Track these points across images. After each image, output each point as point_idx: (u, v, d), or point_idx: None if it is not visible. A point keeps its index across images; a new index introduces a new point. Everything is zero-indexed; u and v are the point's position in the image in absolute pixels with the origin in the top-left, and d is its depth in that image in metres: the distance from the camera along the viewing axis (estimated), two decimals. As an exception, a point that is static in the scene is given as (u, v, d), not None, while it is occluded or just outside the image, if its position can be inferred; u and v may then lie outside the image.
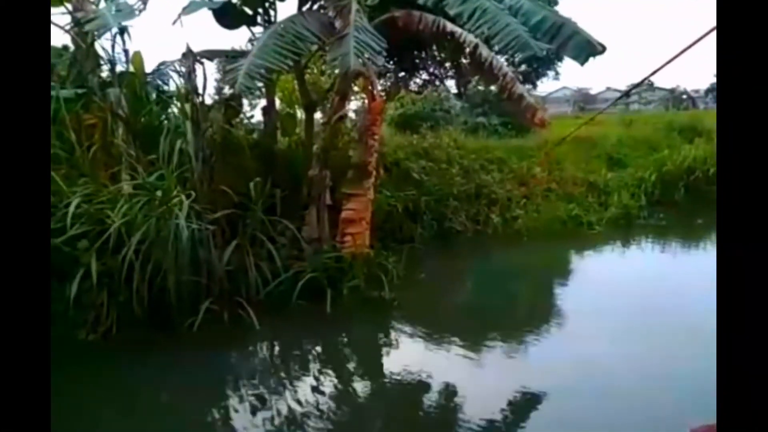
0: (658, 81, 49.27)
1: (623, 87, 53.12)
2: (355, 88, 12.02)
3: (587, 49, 6.66)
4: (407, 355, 5.92)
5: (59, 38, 10.35)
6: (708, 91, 52.54)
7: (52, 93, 6.80)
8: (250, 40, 8.83)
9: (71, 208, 5.87)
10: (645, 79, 6.28)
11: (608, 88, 54.58)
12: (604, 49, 6.69)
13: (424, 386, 5.14)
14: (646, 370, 5.08)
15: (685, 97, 45.09)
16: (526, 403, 4.71)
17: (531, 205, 12.06)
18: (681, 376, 4.80)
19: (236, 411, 4.80)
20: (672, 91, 45.52)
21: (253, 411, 4.74)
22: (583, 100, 52.28)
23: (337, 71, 6.86)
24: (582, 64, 6.66)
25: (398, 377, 5.39)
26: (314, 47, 7.85)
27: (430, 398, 4.93)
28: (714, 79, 50.31)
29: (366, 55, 6.46)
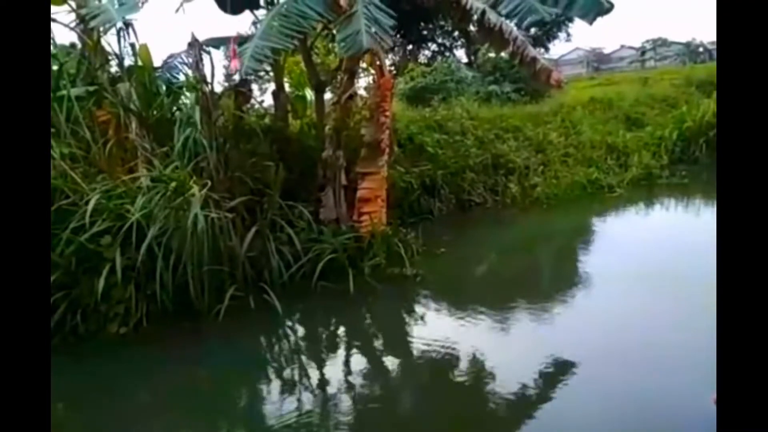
0: (673, 35, 47.87)
1: (638, 44, 51.75)
2: (363, 65, 11.90)
3: (595, 7, 6.48)
4: (434, 328, 5.93)
5: (65, 36, 10.39)
6: (726, 42, 50.81)
7: (63, 92, 6.85)
8: (254, 23, 8.77)
9: (90, 205, 5.94)
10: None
11: (623, 46, 53.22)
12: (611, 6, 6.49)
13: (456, 359, 5.16)
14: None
15: (701, 50, 43.71)
16: (557, 372, 4.69)
17: (549, 171, 11.91)
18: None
19: (283, 392, 4.88)
20: (688, 44, 44.16)
21: (301, 389, 4.84)
22: (598, 60, 51.10)
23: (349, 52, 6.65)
24: (590, 23, 6.49)
25: (431, 350, 5.41)
26: (319, 26, 7.76)
27: (464, 371, 4.94)
28: (732, 29, 48.72)
29: (379, 34, 6.32)
